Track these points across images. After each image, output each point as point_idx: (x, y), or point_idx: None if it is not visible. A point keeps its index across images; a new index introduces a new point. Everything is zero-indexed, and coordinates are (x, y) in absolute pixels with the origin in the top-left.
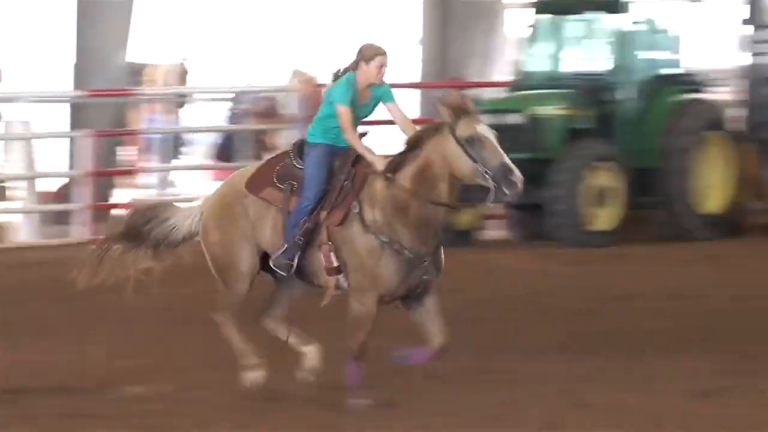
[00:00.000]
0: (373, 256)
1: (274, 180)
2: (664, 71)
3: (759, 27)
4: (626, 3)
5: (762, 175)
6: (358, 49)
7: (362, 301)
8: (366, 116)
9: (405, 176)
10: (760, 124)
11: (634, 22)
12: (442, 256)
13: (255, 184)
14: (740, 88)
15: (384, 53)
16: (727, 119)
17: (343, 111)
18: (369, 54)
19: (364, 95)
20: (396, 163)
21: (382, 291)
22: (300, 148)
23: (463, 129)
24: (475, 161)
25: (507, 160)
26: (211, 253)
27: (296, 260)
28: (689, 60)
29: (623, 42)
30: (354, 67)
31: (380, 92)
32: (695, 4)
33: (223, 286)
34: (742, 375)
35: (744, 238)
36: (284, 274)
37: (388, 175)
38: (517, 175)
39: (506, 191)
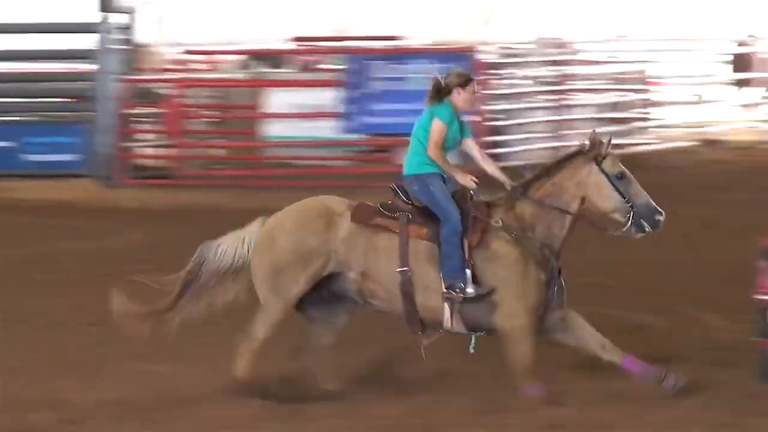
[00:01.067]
0: (520, 264)
1: (382, 211)
2: None
3: None
4: None
5: None
6: (449, 76)
7: (514, 314)
8: (456, 142)
9: (535, 194)
10: None
11: None
12: (565, 286)
13: (361, 215)
14: None
15: (474, 79)
16: None
17: (439, 126)
18: (463, 80)
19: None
20: (528, 182)
21: (532, 301)
22: (401, 186)
23: (611, 165)
24: (623, 196)
25: (650, 199)
26: (274, 256)
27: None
28: None
29: None
30: (447, 92)
31: (462, 120)
32: None
33: (271, 294)
34: None
35: None
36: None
37: (521, 190)
38: (662, 214)
39: (648, 228)
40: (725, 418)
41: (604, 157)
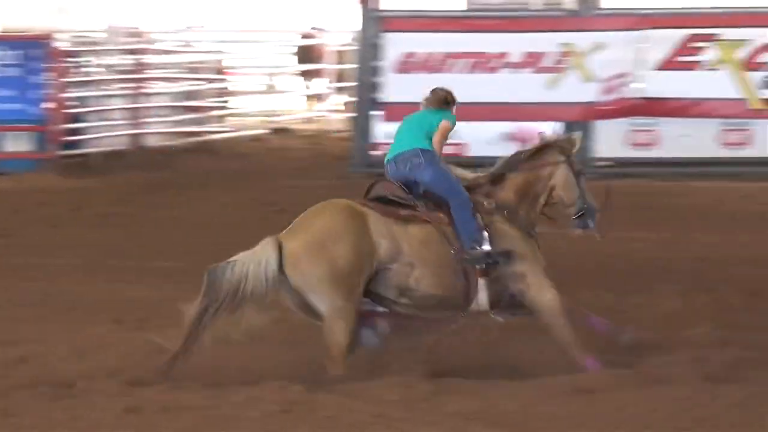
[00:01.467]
0: (525, 240)
1: (400, 202)
2: None
3: None
4: None
5: None
6: (451, 94)
7: (545, 291)
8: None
9: (510, 185)
10: None
11: None
12: None
13: (388, 210)
14: None
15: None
16: None
17: (447, 126)
18: (457, 101)
19: None
20: (504, 166)
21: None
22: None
23: (576, 163)
24: (581, 194)
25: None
26: (333, 264)
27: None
28: None
29: None
30: (449, 104)
31: None
32: None
33: (345, 302)
34: None
35: None
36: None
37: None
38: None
39: (591, 225)
40: (294, 396)
41: (571, 157)
